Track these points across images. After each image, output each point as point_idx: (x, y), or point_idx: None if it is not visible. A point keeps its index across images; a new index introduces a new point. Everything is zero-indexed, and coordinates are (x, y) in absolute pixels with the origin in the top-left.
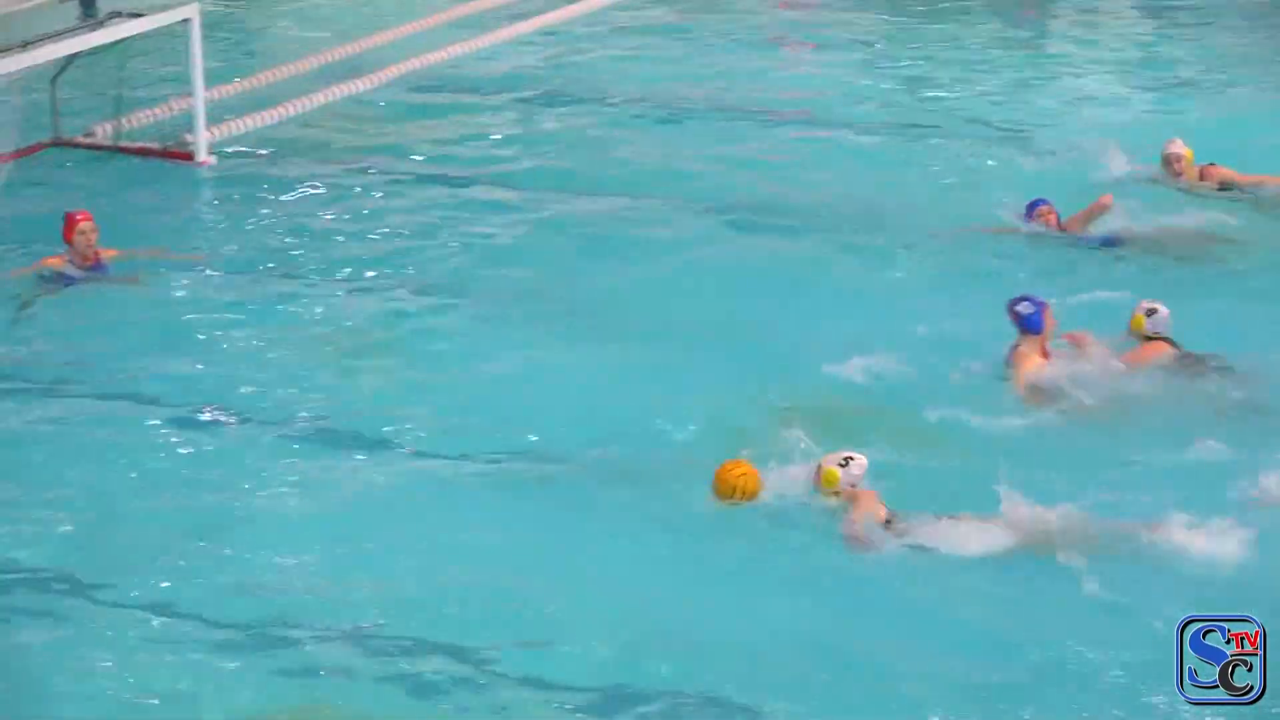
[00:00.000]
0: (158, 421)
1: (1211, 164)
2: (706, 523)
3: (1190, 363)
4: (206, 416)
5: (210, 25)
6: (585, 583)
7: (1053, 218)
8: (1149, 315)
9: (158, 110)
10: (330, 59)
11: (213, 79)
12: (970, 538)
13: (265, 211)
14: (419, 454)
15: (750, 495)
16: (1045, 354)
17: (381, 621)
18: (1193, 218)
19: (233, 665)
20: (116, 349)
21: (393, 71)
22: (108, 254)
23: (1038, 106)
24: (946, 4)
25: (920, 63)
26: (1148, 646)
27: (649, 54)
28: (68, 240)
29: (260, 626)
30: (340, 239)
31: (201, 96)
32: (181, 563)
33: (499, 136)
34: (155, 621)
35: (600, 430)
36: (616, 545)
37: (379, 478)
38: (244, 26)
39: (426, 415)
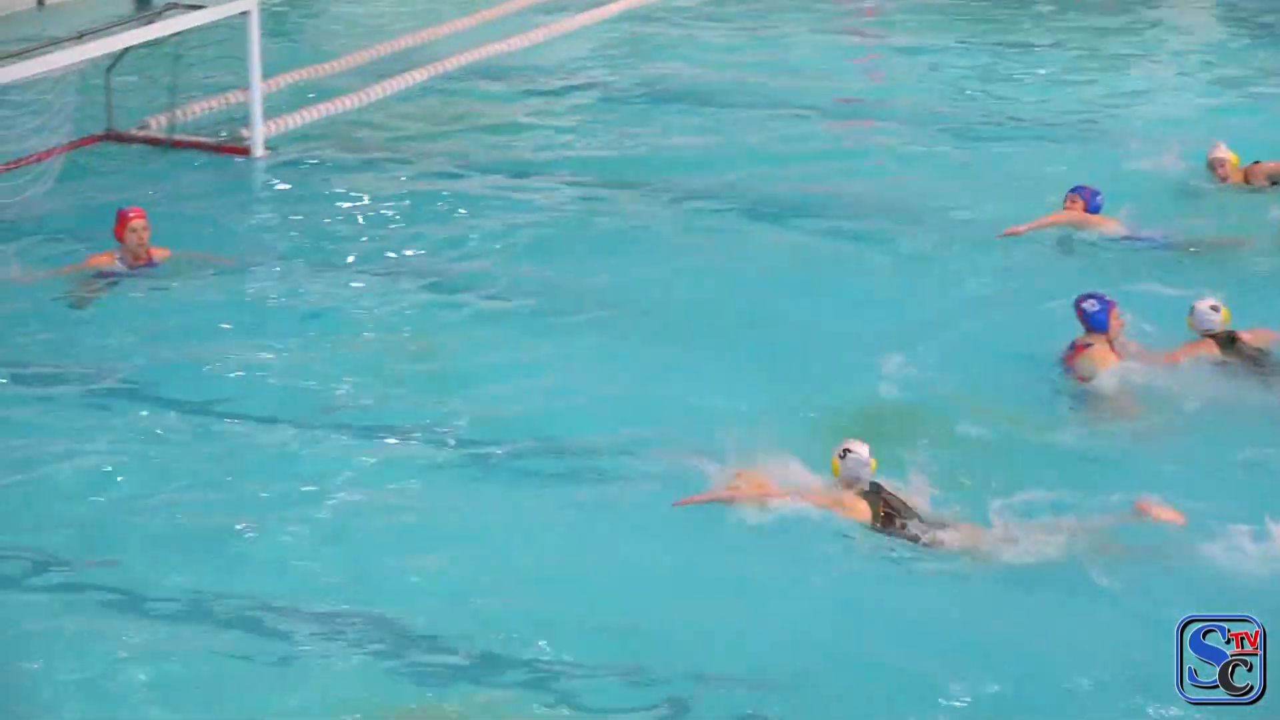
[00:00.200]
0: (207, 419)
1: (1256, 161)
2: (718, 523)
3: (1241, 360)
4: (257, 413)
5: (267, 17)
6: (607, 581)
7: (1078, 206)
8: (1192, 313)
9: (213, 103)
10: (388, 51)
11: (269, 72)
12: (975, 543)
13: (320, 207)
14: (465, 448)
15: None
16: (1114, 352)
17: (436, 619)
18: (1243, 216)
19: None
20: (166, 347)
21: (451, 63)
22: (160, 253)
23: (1102, 103)
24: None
25: (985, 57)
26: (1148, 646)
27: (708, 44)
28: (119, 237)
29: (319, 624)
30: (395, 235)
31: (259, 90)
32: (234, 559)
33: (557, 129)
34: (220, 625)
35: (642, 429)
36: (637, 544)
37: (421, 473)
38: (301, 19)
39: (471, 410)
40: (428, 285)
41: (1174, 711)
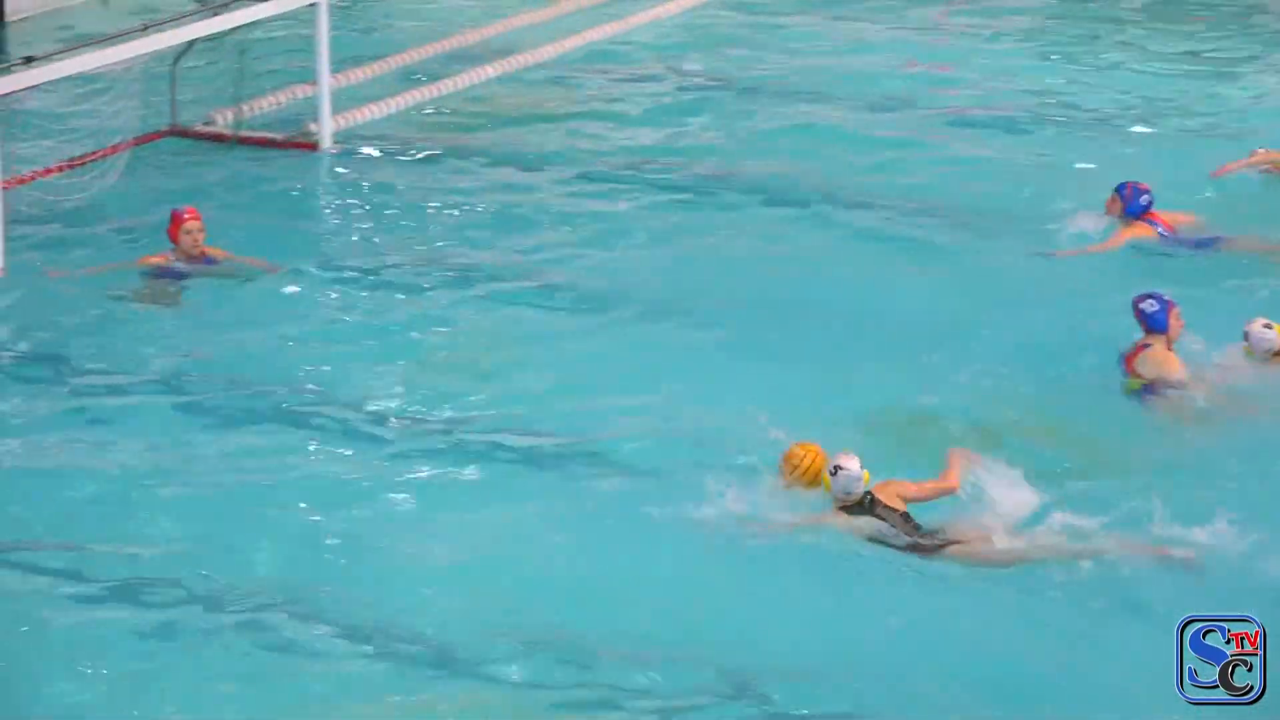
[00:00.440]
0: (263, 420)
1: None
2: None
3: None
4: (317, 416)
5: (336, 10)
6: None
7: (1116, 207)
8: (1247, 338)
9: (280, 97)
10: (459, 44)
11: (339, 65)
12: (975, 548)
13: (387, 203)
14: (517, 451)
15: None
16: (1174, 353)
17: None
18: None
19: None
20: (228, 346)
21: (526, 58)
22: (215, 253)
23: (1186, 102)
24: None
25: (1076, 50)
26: (1148, 646)
27: (786, 36)
28: (173, 238)
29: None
30: (465, 233)
31: (326, 83)
32: (295, 563)
33: (630, 122)
34: (273, 629)
35: (704, 432)
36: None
37: (485, 481)
38: (371, 11)
39: (530, 411)
40: (496, 284)
41: (1174, 711)
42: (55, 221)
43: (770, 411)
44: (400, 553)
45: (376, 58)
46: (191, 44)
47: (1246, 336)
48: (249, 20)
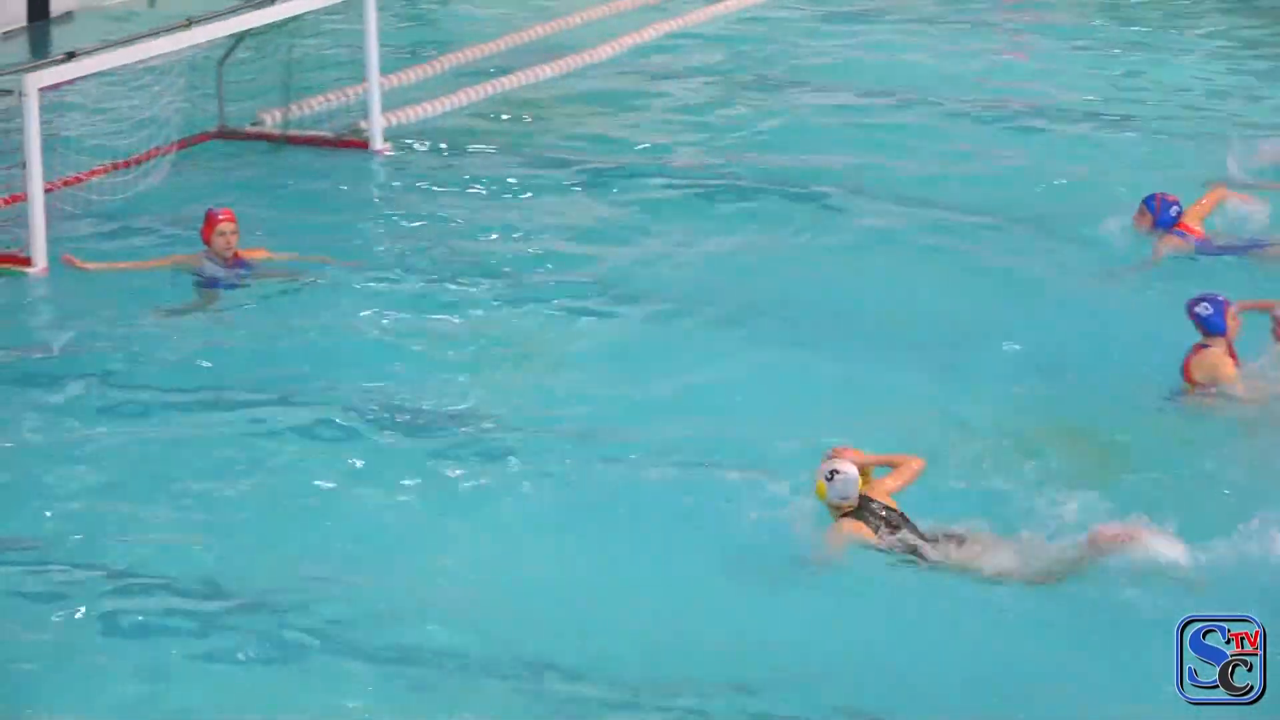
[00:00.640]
0: (298, 428)
1: None
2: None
3: None
4: (351, 423)
5: (386, 6)
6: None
7: (1146, 220)
8: None
9: (330, 96)
10: (514, 42)
11: (389, 63)
12: (981, 556)
13: (441, 204)
14: (571, 463)
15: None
16: (1233, 356)
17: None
18: None
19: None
20: (264, 353)
21: (582, 58)
22: (251, 255)
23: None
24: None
25: (1139, 54)
26: (1148, 646)
27: (852, 38)
28: (206, 240)
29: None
30: (516, 235)
31: (376, 80)
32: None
33: (688, 126)
34: (306, 637)
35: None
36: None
37: (529, 489)
38: (426, 7)
39: (584, 421)
40: (548, 287)
41: (1174, 712)
42: (99, 223)
43: (808, 418)
44: (437, 557)
45: (431, 55)
46: (237, 43)
47: None
48: (298, 13)
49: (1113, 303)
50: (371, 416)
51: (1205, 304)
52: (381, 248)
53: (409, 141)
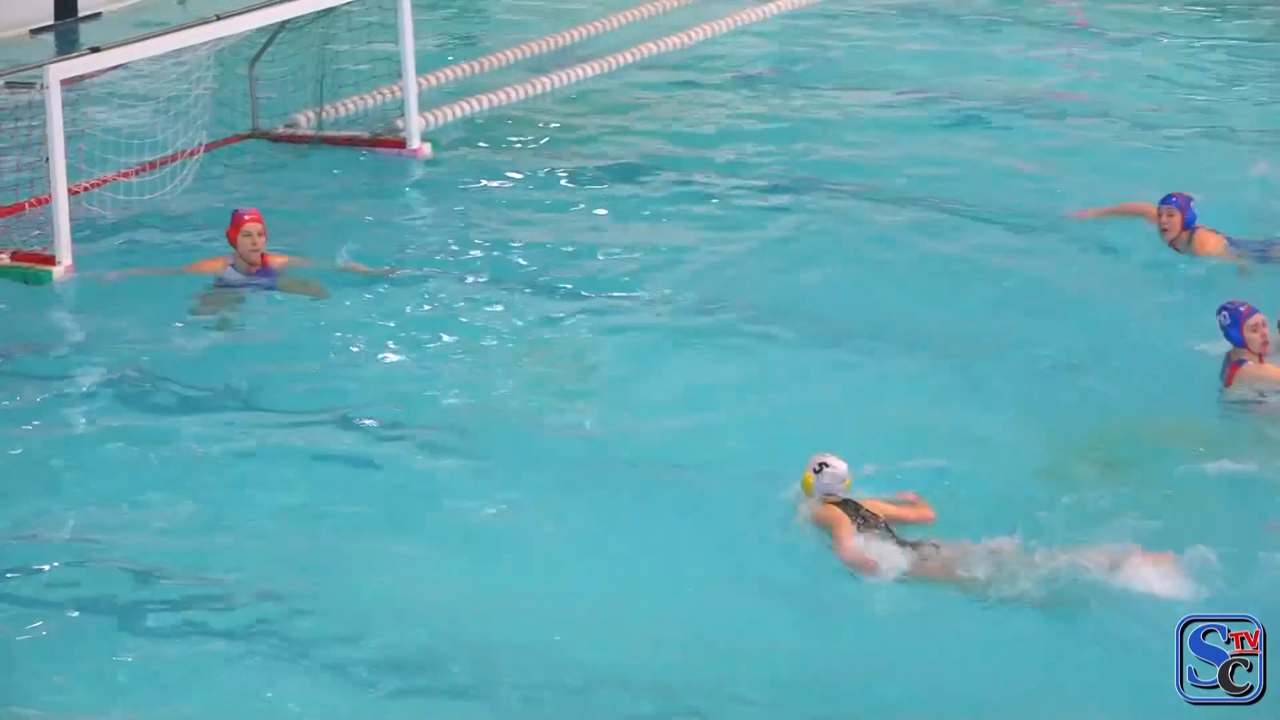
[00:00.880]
0: (329, 437)
1: None
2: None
3: None
4: (381, 432)
5: (423, 1)
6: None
7: (1174, 221)
8: None
9: (366, 96)
10: (557, 41)
11: (428, 61)
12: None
13: (477, 207)
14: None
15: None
16: (1266, 365)
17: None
18: None
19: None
20: (289, 362)
21: (623, 57)
22: (277, 260)
23: None
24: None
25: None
26: (1148, 646)
27: (892, 40)
28: (231, 241)
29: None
30: (556, 238)
31: (413, 78)
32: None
33: (731, 127)
34: (324, 645)
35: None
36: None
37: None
38: (461, 3)
39: (616, 429)
40: (587, 292)
41: (1174, 712)
42: (130, 225)
43: (821, 422)
44: (455, 564)
45: (471, 52)
46: (269, 42)
47: None
48: (330, 6)
49: (1133, 305)
50: (392, 422)
51: (1224, 313)
52: (416, 251)
53: (448, 141)
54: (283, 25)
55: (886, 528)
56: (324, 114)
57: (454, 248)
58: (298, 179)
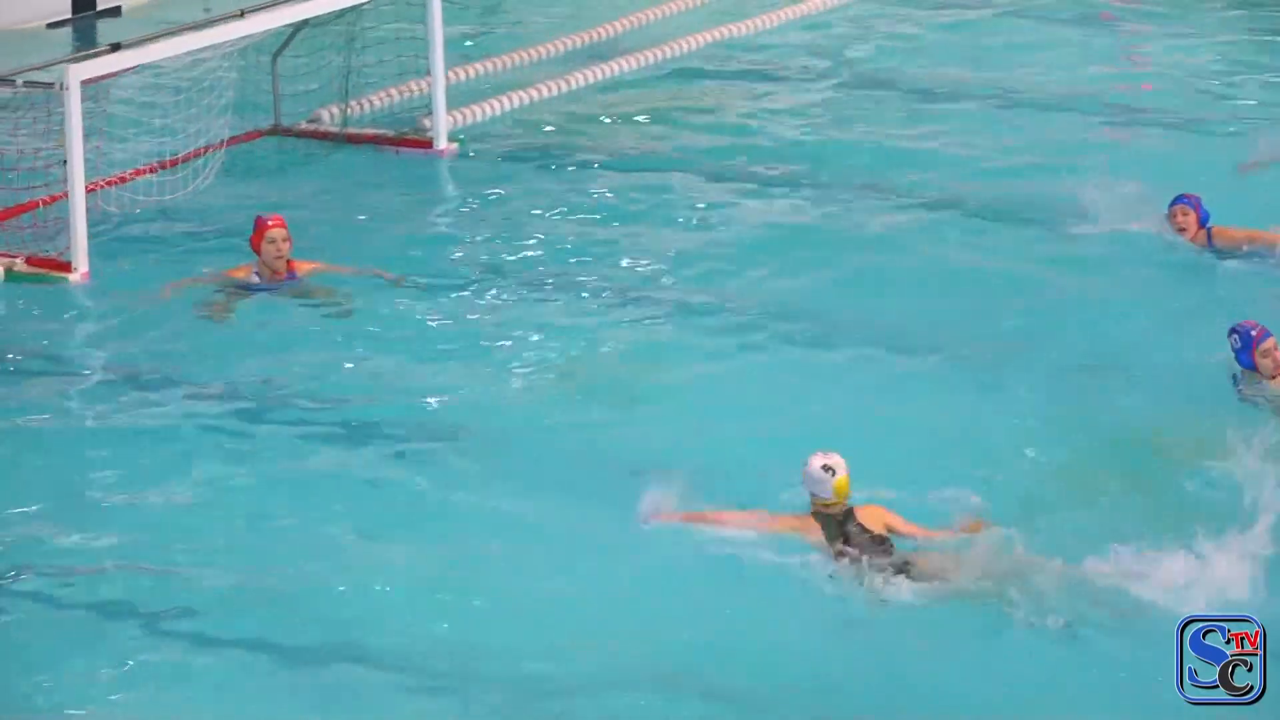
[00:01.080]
0: (339, 440)
1: None
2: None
3: None
4: (397, 438)
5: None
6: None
7: (1190, 220)
8: None
9: (392, 92)
10: (590, 37)
11: (456, 57)
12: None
13: (506, 210)
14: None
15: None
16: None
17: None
18: None
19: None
20: (307, 372)
21: (659, 51)
22: (303, 267)
23: None
24: None
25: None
26: (1148, 646)
27: (931, 36)
28: (255, 248)
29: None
30: (588, 241)
31: (441, 76)
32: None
33: (773, 125)
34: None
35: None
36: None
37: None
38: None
39: (655, 440)
40: (620, 297)
41: (1174, 711)
42: (146, 225)
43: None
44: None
45: (499, 50)
46: (294, 34)
47: None
48: (346, 6)
49: (1157, 308)
50: (417, 431)
51: (1234, 336)
52: (441, 256)
53: (477, 140)
54: (306, 21)
55: (878, 542)
56: (349, 110)
57: (475, 252)
58: (319, 178)
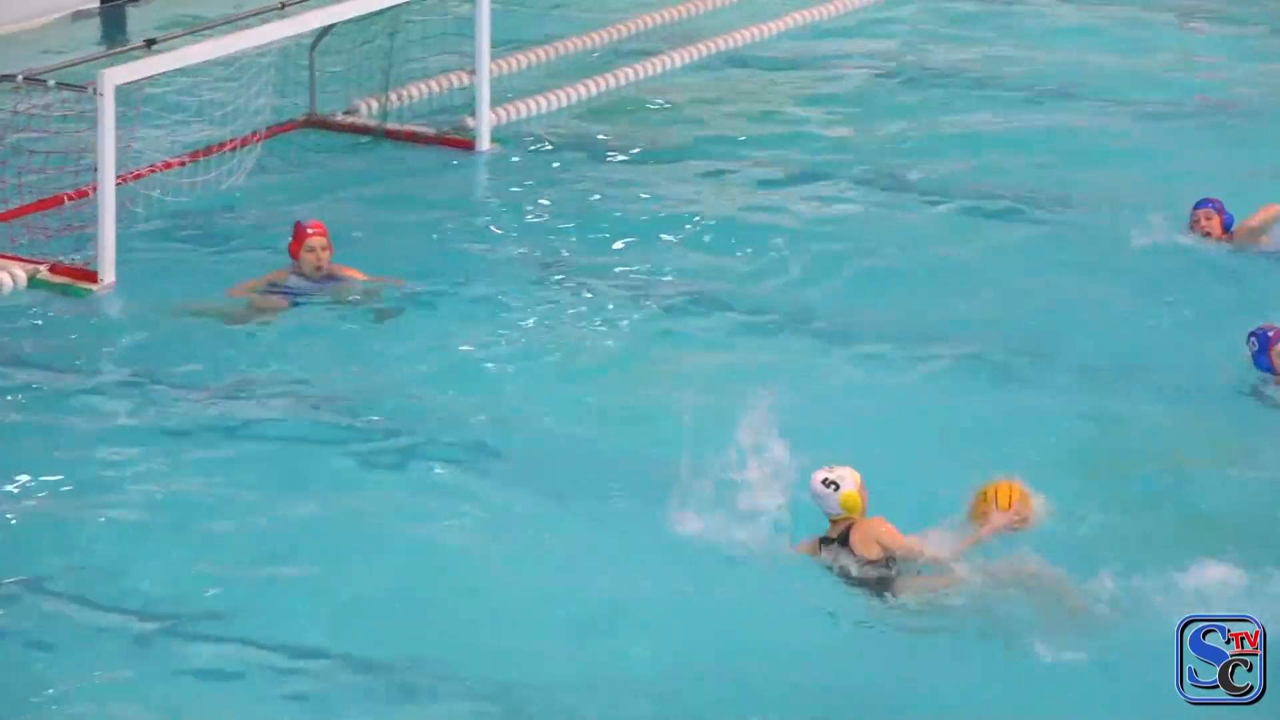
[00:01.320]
0: (374, 453)
1: None
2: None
3: None
4: (429, 448)
5: None
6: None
7: (1214, 224)
8: None
9: (433, 86)
10: (638, 30)
11: (502, 51)
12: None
13: (550, 211)
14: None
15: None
16: None
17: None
18: None
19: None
20: (349, 376)
21: (709, 45)
22: (346, 273)
23: None
24: None
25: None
26: (1148, 646)
27: (991, 26)
28: (293, 255)
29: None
30: (634, 244)
31: (487, 73)
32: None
33: (822, 122)
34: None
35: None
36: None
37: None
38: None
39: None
40: (667, 303)
41: (1174, 711)
42: (176, 223)
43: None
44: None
45: (545, 43)
46: (331, 25)
47: None
48: (390, 4)
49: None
50: (453, 440)
51: (1252, 339)
52: (480, 260)
53: (521, 140)
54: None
55: (886, 564)
56: (389, 103)
57: (519, 260)
58: (355, 175)
